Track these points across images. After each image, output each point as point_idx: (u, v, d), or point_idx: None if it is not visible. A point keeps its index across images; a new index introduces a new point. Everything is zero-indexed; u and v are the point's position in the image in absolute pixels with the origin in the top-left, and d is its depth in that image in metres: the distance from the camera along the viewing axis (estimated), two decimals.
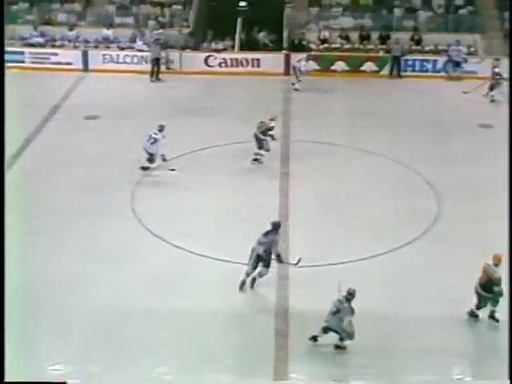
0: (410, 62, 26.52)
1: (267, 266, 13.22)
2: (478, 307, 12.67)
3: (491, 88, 23.81)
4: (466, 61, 25.84)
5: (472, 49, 27.16)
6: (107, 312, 12.70)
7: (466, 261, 14.08)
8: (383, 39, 27.63)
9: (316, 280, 13.45)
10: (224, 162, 18.73)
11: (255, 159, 18.69)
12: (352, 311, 11.60)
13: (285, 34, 27.55)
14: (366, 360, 11.65)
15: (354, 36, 27.92)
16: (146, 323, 12.37)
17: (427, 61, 26.48)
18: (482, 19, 28.05)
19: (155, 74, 25.76)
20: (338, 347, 11.80)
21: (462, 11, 28.48)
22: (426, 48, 27.43)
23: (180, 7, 29.10)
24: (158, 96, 24.31)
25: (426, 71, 26.24)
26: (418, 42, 27.56)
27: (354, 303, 11.64)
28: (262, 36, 28.49)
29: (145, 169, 17.95)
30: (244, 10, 30.43)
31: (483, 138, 20.84)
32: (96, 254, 14.39)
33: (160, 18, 28.36)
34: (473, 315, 12.72)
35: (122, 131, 20.66)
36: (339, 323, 11.60)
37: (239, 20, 28.50)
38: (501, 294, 12.39)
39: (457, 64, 25.88)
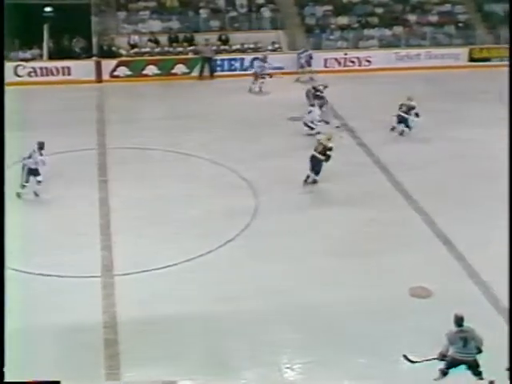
0: (219, 62, 27.21)
1: None
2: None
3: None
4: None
5: (276, 45, 28.26)
6: None
7: (287, 252, 14.71)
8: (191, 41, 28.13)
9: (142, 286, 13.58)
10: None
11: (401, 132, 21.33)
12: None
13: (94, 41, 27.36)
14: (198, 361, 11.61)
15: (163, 39, 28.23)
16: None
17: (235, 60, 27.26)
18: (283, 16, 29.24)
19: None
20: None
21: (263, 9, 29.47)
22: (233, 47, 28.20)
23: None
24: None
25: (235, 70, 26.99)
26: (225, 42, 28.31)
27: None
28: (71, 43, 28.12)
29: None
30: (50, 16, 29.69)
31: (293, 130, 21.50)
32: None
33: None
34: None
35: None
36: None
37: (46, 27, 27.90)
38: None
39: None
